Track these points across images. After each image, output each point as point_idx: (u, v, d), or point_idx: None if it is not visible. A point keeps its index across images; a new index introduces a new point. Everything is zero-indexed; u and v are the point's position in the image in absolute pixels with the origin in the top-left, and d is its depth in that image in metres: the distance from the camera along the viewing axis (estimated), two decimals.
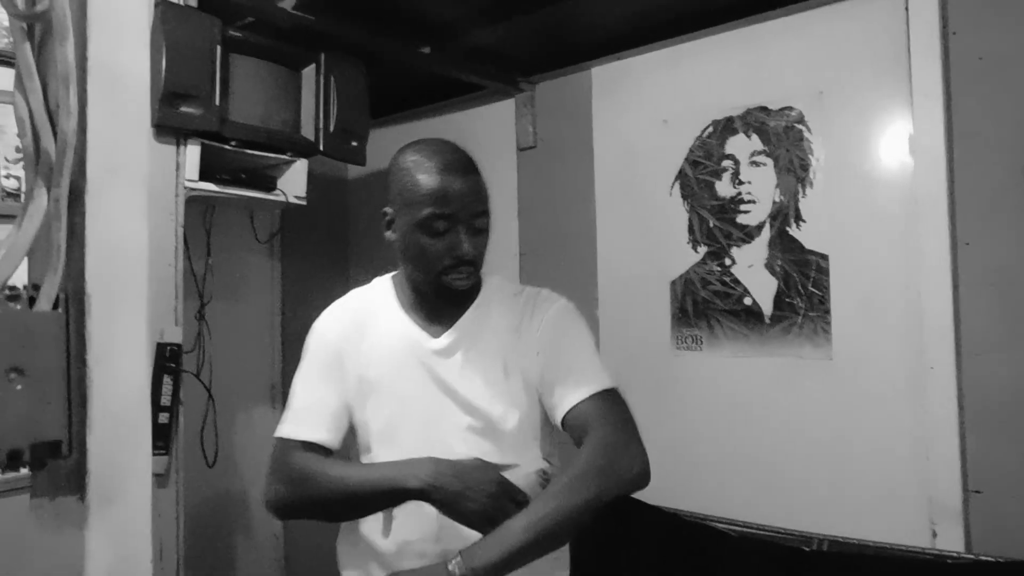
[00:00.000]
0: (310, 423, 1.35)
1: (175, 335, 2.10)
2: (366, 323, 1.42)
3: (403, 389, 1.37)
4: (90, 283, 0.45)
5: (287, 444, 1.34)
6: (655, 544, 2.45)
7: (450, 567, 1.11)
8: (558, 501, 1.19)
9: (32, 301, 0.45)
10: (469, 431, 1.35)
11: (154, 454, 2.04)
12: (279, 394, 3.21)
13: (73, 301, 0.45)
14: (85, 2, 0.46)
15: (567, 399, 1.31)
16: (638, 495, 2.63)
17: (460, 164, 1.33)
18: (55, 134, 0.45)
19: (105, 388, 0.45)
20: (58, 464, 0.45)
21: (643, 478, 1.27)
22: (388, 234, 1.39)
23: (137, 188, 0.47)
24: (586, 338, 1.41)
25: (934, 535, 2.09)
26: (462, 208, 1.30)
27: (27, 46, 0.46)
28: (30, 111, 0.45)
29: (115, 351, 0.46)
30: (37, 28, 0.47)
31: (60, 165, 0.45)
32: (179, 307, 2.12)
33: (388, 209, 1.38)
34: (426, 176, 1.30)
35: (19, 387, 0.42)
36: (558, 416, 1.33)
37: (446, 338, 1.39)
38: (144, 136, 0.48)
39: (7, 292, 0.45)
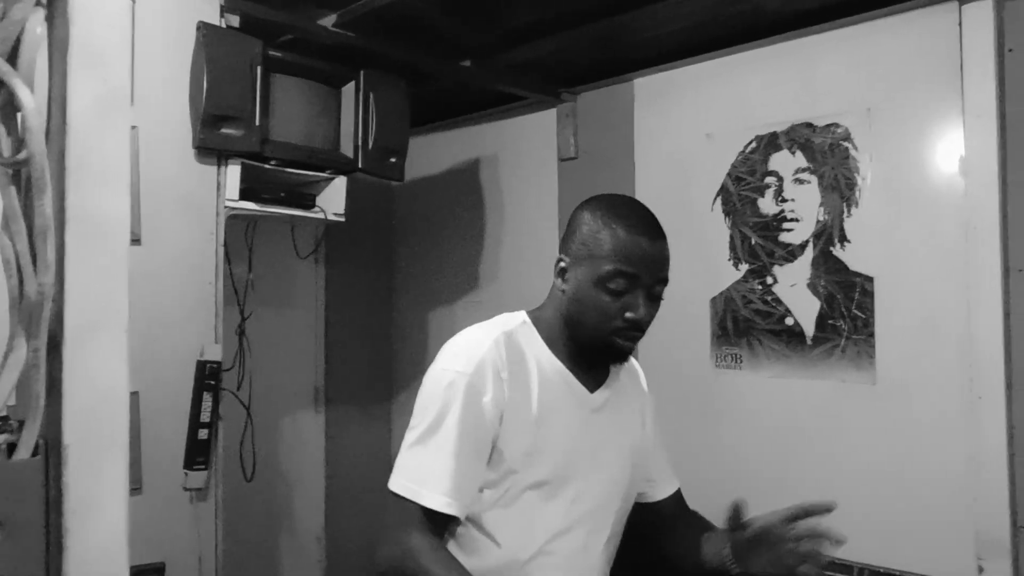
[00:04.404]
0: (447, 489, 1.20)
1: (215, 352, 2.14)
2: (521, 360, 1.30)
3: (567, 441, 1.31)
4: (67, 434, 0.46)
5: (416, 513, 1.19)
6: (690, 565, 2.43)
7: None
8: None
9: (12, 448, 0.46)
10: (625, 490, 1.40)
11: (194, 469, 2.09)
12: (322, 398, 3.28)
13: (52, 450, 0.46)
14: (64, 153, 0.47)
15: (672, 483, 1.53)
16: None
17: (651, 226, 1.30)
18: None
19: (82, 539, 0.45)
20: None
21: None
22: (558, 281, 1.33)
23: (117, 339, 0.47)
24: None
25: (980, 571, 2.02)
26: (647, 271, 1.26)
27: (12, 190, 0.47)
28: (16, 253, 0.46)
29: (92, 502, 0.46)
30: (24, 171, 0.48)
31: (38, 317, 0.46)
32: (219, 325, 2.16)
33: (564, 258, 1.33)
34: (615, 231, 1.26)
35: None
36: (660, 493, 1.50)
37: (600, 395, 1.37)
38: (122, 286, 0.48)
39: None
